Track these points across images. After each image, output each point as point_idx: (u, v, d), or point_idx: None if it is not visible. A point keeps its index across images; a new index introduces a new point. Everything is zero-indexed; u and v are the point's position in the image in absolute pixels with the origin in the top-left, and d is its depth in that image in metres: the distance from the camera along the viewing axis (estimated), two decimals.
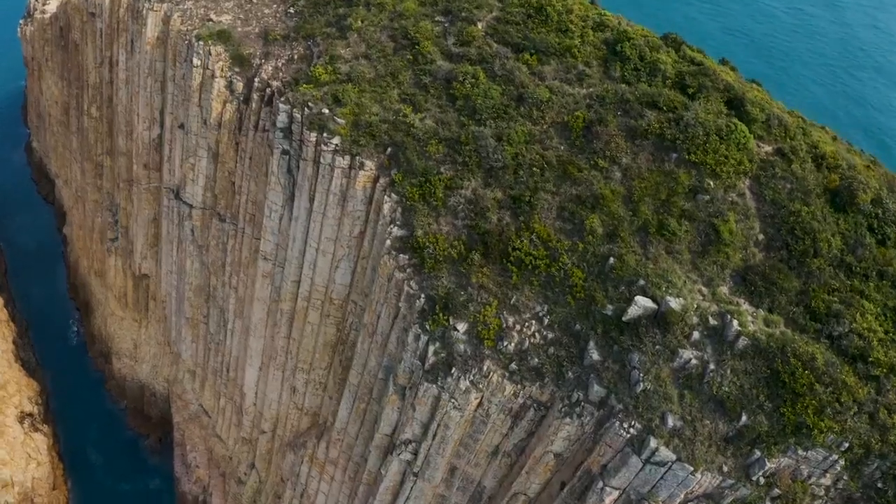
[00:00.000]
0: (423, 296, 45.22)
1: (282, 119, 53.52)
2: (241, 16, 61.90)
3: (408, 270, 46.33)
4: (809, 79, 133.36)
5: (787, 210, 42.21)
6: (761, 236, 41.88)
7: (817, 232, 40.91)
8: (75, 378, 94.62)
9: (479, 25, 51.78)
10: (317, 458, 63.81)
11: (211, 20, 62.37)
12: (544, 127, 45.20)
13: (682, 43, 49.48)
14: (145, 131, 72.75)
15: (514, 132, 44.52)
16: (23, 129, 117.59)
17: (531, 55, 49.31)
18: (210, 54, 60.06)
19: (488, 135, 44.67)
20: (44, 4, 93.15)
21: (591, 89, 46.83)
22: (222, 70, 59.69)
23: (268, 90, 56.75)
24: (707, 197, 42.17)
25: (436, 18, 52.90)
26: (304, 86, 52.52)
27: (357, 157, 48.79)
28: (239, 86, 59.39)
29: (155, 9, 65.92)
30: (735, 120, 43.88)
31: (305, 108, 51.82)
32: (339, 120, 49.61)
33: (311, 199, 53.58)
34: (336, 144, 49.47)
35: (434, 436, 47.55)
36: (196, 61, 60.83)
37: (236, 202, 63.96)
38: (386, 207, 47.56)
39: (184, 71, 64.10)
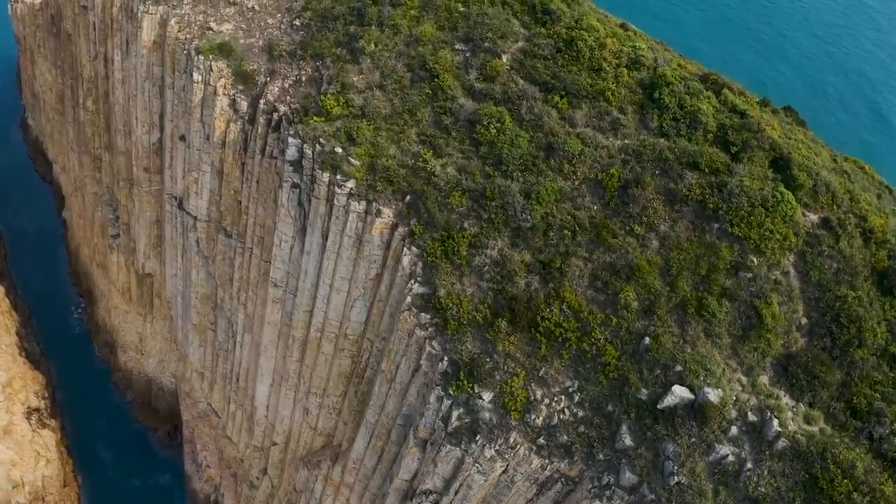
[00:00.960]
0: (446, 358, 43.13)
1: (291, 153, 50.51)
2: (243, 25, 58.03)
3: (429, 329, 44.09)
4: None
5: (833, 294, 39.80)
6: (804, 320, 39.51)
7: (863, 320, 38.59)
8: (81, 369, 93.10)
9: (504, 58, 47.99)
10: (332, 479, 62.67)
11: (211, 29, 58.57)
12: (576, 183, 42.25)
13: (724, 85, 45.82)
14: (144, 135, 69.50)
15: (544, 189, 41.59)
16: (18, 103, 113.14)
17: (561, 97, 45.85)
18: (211, 70, 56.57)
19: (516, 191, 41.76)
20: None
21: (626, 140, 43.62)
22: (225, 88, 56.30)
23: (275, 115, 53.52)
24: (750, 275, 39.60)
25: (456, 46, 49.07)
26: (315, 118, 49.29)
27: (374, 203, 45.99)
28: (243, 105, 56.09)
29: (150, 12, 62.03)
30: (781, 188, 40.90)
31: (317, 145, 48.73)
32: (353, 161, 46.63)
33: (325, 236, 50.95)
34: (351, 188, 46.60)
35: (456, 492, 46.10)
36: (196, 77, 57.37)
37: (243, 221, 61.25)
38: (405, 260, 45.01)
39: (183, 83, 60.66)
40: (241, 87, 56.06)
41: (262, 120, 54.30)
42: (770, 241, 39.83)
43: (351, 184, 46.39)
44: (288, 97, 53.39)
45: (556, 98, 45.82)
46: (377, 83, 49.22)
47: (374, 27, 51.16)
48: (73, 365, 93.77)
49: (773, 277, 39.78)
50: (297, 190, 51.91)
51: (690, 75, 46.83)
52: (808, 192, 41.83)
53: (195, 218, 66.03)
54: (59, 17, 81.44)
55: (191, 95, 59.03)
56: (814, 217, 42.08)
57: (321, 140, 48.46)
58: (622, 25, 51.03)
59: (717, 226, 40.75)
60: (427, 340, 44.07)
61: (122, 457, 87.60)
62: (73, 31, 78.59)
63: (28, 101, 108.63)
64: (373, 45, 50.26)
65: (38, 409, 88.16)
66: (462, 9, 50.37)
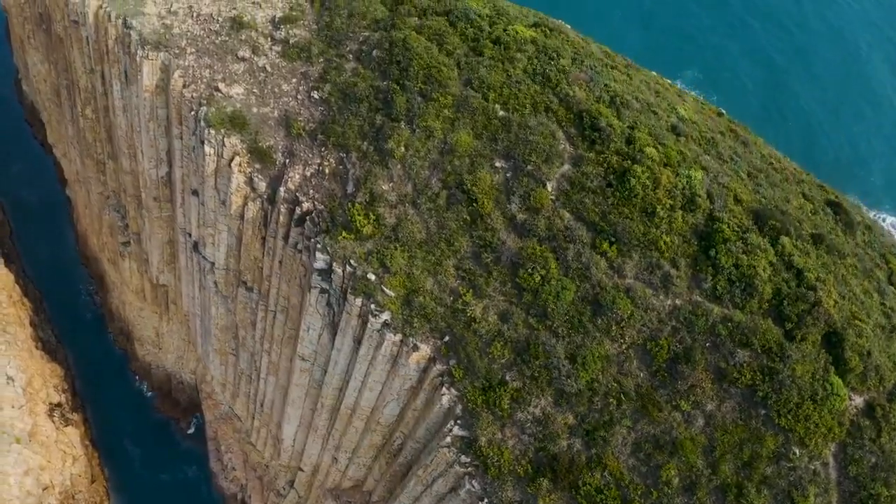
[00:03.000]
0: (486, 500, 42.98)
1: (320, 264, 48.32)
2: (255, 90, 54.09)
3: (469, 469, 43.68)
4: None
5: (868, 492, 39.61)
6: None
7: None
8: (98, 357, 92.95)
9: (549, 187, 44.57)
10: None
11: (219, 90, 54.66)
12: (623, 347, 40.63)
13: (780, 231, 42.94)
14: (152, 169, 66.39)
15: (591, 354, 40.10)
16: (10, 61, 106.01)
17: (610, 244, 43.20)
18: (224, 145, 53.33)
19: (561, 353, 40.25)
20: None
21: (677, 301, 41.50)
22: (241, 167, 53.25)
23: (298, 208, 50.82)
24: (790, 465, 39.02)
25: (495, 164, 45.51)
26: (344, 234, 46.72)
27: (410, 339, 44.44)
28: (261, 185, 53.23)
29: (150, 58, 57.91)
30: (832, 378, 39.68)
31: (347, 266, 46.52)
32: (388, 292, 44.71)
33: (356, 341, 49.55)
34: (386, 320, 44.90)
35: None
36: (209, 150, 54.20)
37: (265, 286, 59.45)
38: (444, 399, 44.04)
39: (193, 144, 57.43)
40: (258, 166, 53.04)
41: (283, 209, 51.67)
42: (815, 435, 39.35)
43: (386, 315, 44.72)
44: (311, 190, 50.54)
45: (605, 244, 43.30)
46: (409, 197, 46.33)
47: (402, 124, 47.54)
48: (89, 351, 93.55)
49: (813, 468, 39.58)
50: (326, 294, 50.04)
51: (746, 213, 43.91)
52: (857, 376, 40.73)
53: (212, 264, 64.11)
54: (49, 17, 75.97)
55: (202, 161, 55.99)
56: (859, 400, 41.29)
57: (352, 262, 46.23)
58: (673, 128, 47.25)
59: (764, 412, 39.91)
60: (467, 479, 43.78)
61: (146, 449, 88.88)
62: (66, 38, 73.47)
63: (21, 65, 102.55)
64: (402, 148, 46.96)
65: (59, 405, 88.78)
66: (501, 113, 46.52)
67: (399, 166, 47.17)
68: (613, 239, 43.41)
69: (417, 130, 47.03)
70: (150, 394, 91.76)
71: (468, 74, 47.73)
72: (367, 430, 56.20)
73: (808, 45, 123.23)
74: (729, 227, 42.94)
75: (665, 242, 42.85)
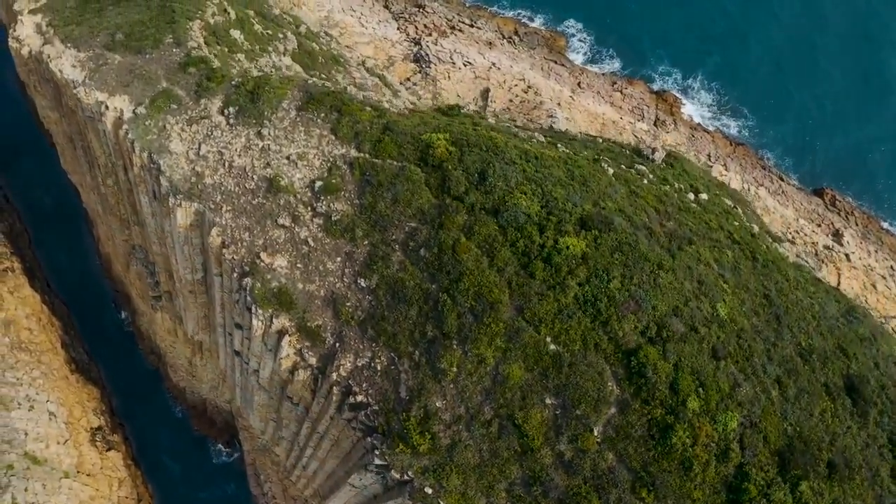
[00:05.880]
0: None
1: (378, 461, 49.99)
2: (300, 263, 53.57)
3: None
4: None
5: None
6: None
7: None
8: (131, 374, 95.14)
9: (596, 431, 46.12)
10: None
11: (262, 259, 54.00)
12: None
13: (801, 476, 45.42)
14: (187, 273, 66.13)
15: None
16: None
17: (648, 492, 46.06)
18: (272, 321, 53.45)
19: None
20: (13, 27, 76.32)
21: None
22: (291, 344, 53.62)
23: (350, 398, 51.81)
24: None
25: (546, 400, 46.54)
26: (402, 446, 48.29)
27: None
28: (312, 359, 53.93)
29: (183, 206, 56.75)
30: None
31: (405, 475, 48.31)
32: None
33: None
34: None
35: None
36: (256, 322, 54.32)
37: (314, 410, 60.87)
38: None
39: (237, 297, 57.15)
40: (307, 343, 53.43)
41: (336, 392, 52.59)
42: None
43: None
44: (364, 382, 51.40)
45: (644, 492, 46.19)
46: (463, 419, 47.54)
47: (454, 343, 48.04)
48: (122, 368, 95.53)
49: None
50: (383, 476, 52.00)
51: (772, 458, 46.21)
52: None
53: (257, 373, 65.27)
54: (56, 89, 72.46)
55: (248, 320, 56.10)
56: None
57: (408, 473, 48.00)
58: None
59: None
60: None
61: (186, 465, 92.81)
62: (80, 116, 70.38)
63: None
64: (455, 369, 47.75)
65: (100, 428, 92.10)
66: (552, 347, 47.03)
67: (452, 386, 48.16)
68: (652, 487, 46.56)
69: (470, 354, 47.71)
70: (185, 413, 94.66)
71: (520, 300, 47.90)
72: None
73: None
74: (755, 484, 46.47)
75: (698, 495, 46.26)
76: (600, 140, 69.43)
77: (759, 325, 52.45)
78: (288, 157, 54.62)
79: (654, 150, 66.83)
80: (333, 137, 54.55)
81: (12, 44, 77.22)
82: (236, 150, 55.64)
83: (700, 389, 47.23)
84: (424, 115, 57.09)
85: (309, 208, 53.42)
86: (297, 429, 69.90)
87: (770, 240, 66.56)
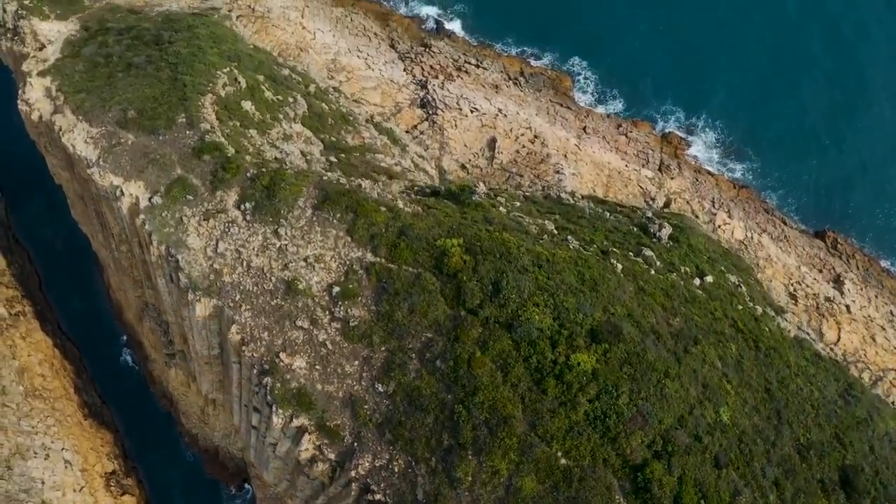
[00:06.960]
0: None
1: None
2: (318, 365, 54.98)
3: None
4: None
5: None
6: None
7: None
8: (143, 417, 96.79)
9: None
10: None
11: (281, 359, 55.41)
12: None
13: None
14: (204, 350, 67.56)
15: None
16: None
17: None
18: (292, 420, 54.99)
19: None
20: (22, 87, 76.86)
21: None
22: (311, 441, 55.17)
23: (368, 496, 53.43)
24: None
25: None
26: None
27: None
28: (331, 455, 55.49)
29: (201, 301, 57.98)
30: None
31: None
32: None
33: None
34: None
35: None
36: (276, 420, 55.83)
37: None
38: None
39: (257, 390, 58.59)
40: (326, 441, 54.99)
41: (354, 488, 54.23)
42: None
43: None
44: (382, 482, 53.00)
45: None
46: None
47: (469, 453, 49.65)
48: (134, 411, 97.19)
49: None
50: None
51: None
52: None
53: (273, 446, 66.82)
54: (71, 160, 73.31)
55: (268, 415, 57.55)
56: None
57: None
58: None
59: None
60: None
61: None
62: (95, 192, 71.29)
63: None
64: (470, 478, 49.37)
65: (114, 472, 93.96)
66: (563, 462, 48.71)
67: (467, 494, 49.74)
68: None
69: (484, 465, 49.28)
70: (196, 456, 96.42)
71: (532, 416, 49.44)
72: None
73: None
74: None
75: None
76: (608, 215, 70.61)
77: (759, 425, 54.17)
78: (305, 259, 55.86)
79: (660, 227, 68.05)
80: (349, 239, 55.83)
81: (22, 107, 78.20)
82: (254, 248, 56.83)
83: (702, 502, 48.90)
84: (438, 211, 58.15)
85: (327, 312, 54.78)
86: (312, 494, 71.72)
87: (773, 313, 68.00)
